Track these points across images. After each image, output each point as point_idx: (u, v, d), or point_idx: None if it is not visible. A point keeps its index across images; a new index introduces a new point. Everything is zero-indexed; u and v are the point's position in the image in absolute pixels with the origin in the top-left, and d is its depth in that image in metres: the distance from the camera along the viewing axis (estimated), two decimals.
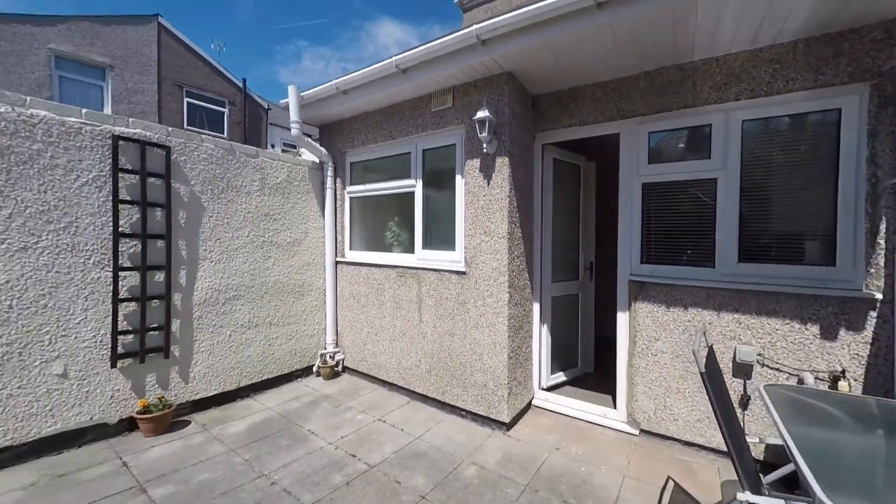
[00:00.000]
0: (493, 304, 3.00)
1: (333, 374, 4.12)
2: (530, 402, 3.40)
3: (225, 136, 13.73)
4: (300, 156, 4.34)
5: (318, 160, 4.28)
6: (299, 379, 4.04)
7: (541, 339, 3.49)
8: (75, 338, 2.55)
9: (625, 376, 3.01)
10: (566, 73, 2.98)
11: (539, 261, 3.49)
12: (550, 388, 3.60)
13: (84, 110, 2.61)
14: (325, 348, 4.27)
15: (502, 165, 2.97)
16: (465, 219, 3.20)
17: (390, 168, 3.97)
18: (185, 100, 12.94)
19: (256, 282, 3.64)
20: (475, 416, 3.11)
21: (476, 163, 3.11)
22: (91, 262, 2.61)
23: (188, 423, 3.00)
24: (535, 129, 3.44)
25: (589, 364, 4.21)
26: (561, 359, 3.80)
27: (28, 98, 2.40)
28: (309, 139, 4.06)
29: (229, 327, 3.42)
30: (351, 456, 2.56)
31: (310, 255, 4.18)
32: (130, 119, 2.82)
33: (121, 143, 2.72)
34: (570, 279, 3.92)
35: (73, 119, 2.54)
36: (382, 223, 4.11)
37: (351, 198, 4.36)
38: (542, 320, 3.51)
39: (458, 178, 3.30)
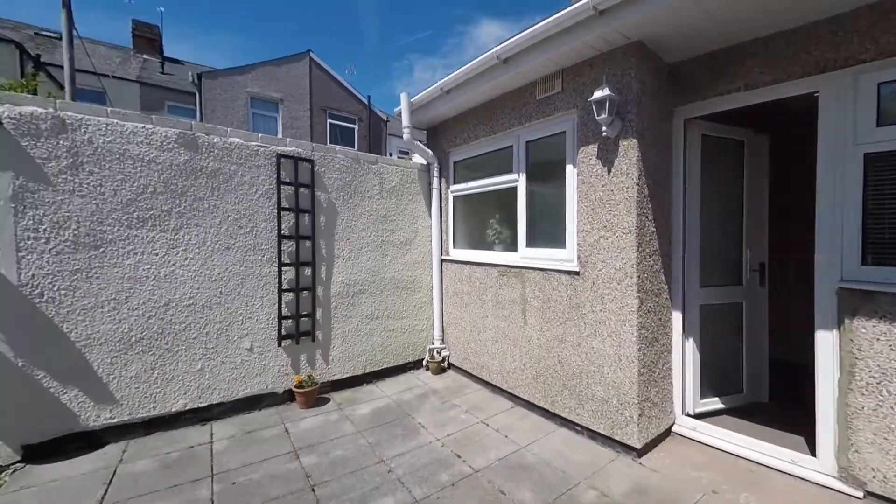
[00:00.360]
0: (617, 311, 2.59)
1: (440, 369, 4.28)
2: (670, 428, 2.84)
3: (354, 149, 15.90)
4: (411, 159, 4.66)
5: (425, 162, 4.51)
6: (411, 371, 4.32)
7: (684, 356, 2.87)
8: (256, 320, 3.27)
9: (832, 416, 2.19)
10: (722, 30, 2.33)
11: (681, 260, 2.86)
12: (700, 416, 2.93)
13: (259, 135, 3.30)
14: (433, 343, 4.46)
15: (628, 149, 2.52)
16: (577, 213, 2.87)
17: (492, 164, 3.88)
18: (328, 121, 15.53)
19: (377, 278, 4.04)
20: (593, 434, 2.77)
21: (592, 149, 2.74)
22: (265, 259, 3.31)
23: (328, 400, 3.52)
24: (673, 103, 2.84)
25: (760, 392, 3.27)
26: (716, 382, 3.06)
27: (228, 129, 3.16)
28: (418, 142, 4.31)
29: (357, 318, 3.89)
30: (456, 456, 2.58)
31: (419, 253, 4.43)
32: (288, 139, 3.47)
33: (282, 160, 3.34)
34: (728, 284, 3.11)
35: (253, 143, 3.25)
36: (484, 221, 4.05)
37: (454, 196, 4.43)
38: (686, 333, 2.87)
39: (569, 168, 2.97)
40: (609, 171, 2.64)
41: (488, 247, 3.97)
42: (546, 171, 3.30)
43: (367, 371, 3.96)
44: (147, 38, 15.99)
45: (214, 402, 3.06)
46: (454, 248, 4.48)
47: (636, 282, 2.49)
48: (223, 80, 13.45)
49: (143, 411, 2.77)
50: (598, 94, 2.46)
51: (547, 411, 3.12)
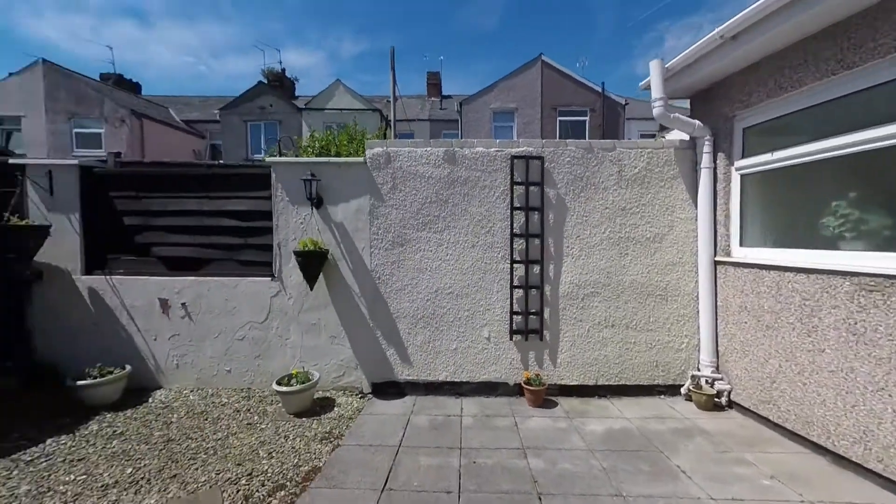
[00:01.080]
0: None
1: (713, 405, 3.17)
2: None
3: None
4: (663, 138, 3.70)
5: (687, 137, 3.50)
6: (661, 396, 3.48)
7: None
8: (493, 312, 3.60)
9: None
10: None
11: None
12: None
13: (497, 140, 3.60)
14: (699, 370, 3.38)
15: None
16: None
17: (835, 117, 2.44)
18: (558, 119, 15.40)
19: (612, 280, 3.51)
20: None
21: None
22: (499, 256, 3.58)
23: (555, 404, 3.38)
24: None
25: None
26: None
27: (475, 140, 3.63)
28: (677, 114, 3.37)
29: (587, 322, 3.53)
30: None
31: (675, 252, 3.47)
32: (521, 140, 3.60)
33: (515, 161, 3.50)
34: None
35: (493, 150, 3.57)
36: (812, 204, 2.62)
37: (743, 175, 3.16)
38: None
39: None
40: None
41: (824, 244, 2.54)
42: None
43: (600, 383, 3.53)
44: (434, 85, 21.62)
45: (464, 380, 3.62)
46: (741, 245, 3.21)
47: None
48: (474, 102, 16.11)
49: (424, 375, 3.64)
50: None
51: None
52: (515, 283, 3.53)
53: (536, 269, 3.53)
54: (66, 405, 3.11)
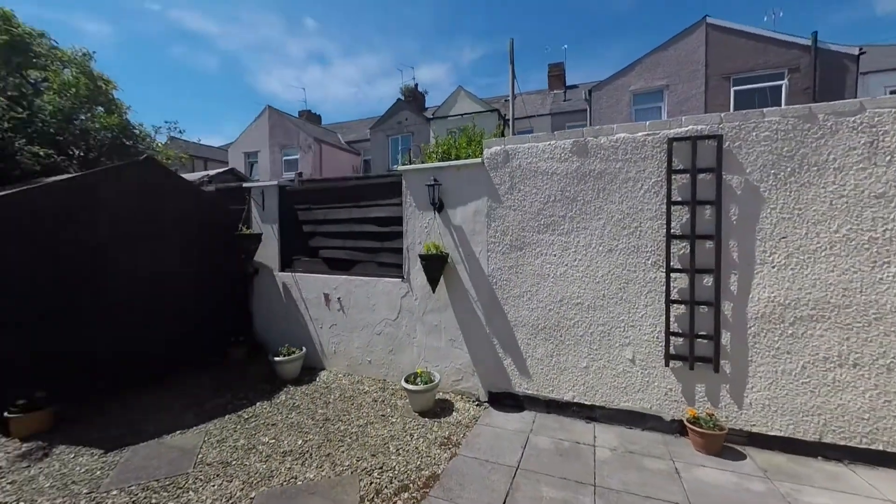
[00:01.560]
0: None
1: None
2: None
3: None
4: None
5: None
6: None
7: None
8: (639, 329, 2.95)
9: None
10: None
11: None
12: None
13: (647, 122, 2.91)
14: None
15: None
16: None
17: None
18: (732, 89, 12.02)
19: (853, 301, 2.37)
20: None
21: None
22: (649, 262, 2.90)
23: (743, 456, 2.53)
24: None
25: None
26: None
27: (614, 126, 3.05)
28: None
29: (802, 357, 2.49)
30: None
31: None
32: (683, 118, 2.81)
33: (674, 144, 2.77)
34: None
35: (640, 134, 2.93)
36: None
37: None
38: None
39: None
40: None
41: None
42: None
43: (826, 441, 2.47)
44: (556, 76, 20.35)
45: (597, 404, 3.10)
46: None
47: None
48: (607, 87, 14.22)
49: (545, 391, 3.30)
50: None
51: None
52: (674, 296, 2.79)
53: (707, 279, 2.71)
54: (269, 375, 4.10)
